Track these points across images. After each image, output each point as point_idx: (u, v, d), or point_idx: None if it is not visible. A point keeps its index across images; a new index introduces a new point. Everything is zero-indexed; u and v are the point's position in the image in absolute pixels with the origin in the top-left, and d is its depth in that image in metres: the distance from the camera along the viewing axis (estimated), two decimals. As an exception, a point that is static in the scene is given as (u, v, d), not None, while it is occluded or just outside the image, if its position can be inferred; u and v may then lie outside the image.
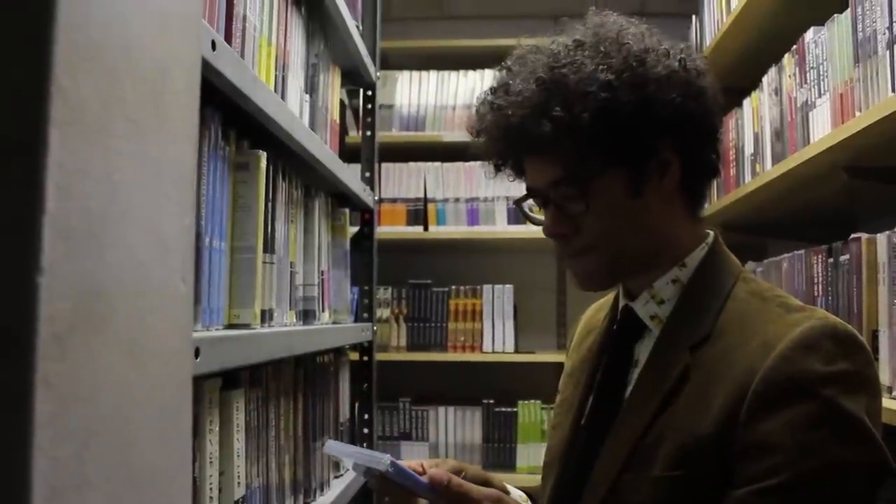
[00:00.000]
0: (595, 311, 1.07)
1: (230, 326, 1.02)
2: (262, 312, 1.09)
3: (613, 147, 0.83)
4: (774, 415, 0.75)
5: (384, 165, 2.68)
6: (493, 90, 0.90)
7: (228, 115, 0.98)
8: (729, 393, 0.78)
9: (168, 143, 0.56)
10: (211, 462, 0.92)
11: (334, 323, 1.61)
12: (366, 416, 1.98)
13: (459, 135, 2.73)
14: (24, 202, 0.41)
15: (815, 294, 1.47)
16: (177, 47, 0.57)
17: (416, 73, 2.83)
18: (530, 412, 2.67)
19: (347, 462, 0.91)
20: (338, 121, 1.69)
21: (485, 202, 2.74)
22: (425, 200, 2.75)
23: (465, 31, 2.85)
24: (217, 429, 0.94)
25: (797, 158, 1.55)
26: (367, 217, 1.99)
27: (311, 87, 1.44)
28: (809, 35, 1.57)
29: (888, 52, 1.20)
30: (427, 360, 2.70)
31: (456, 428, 2.70)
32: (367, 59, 1.89)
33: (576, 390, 0.96)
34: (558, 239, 0.89)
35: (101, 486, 0.46)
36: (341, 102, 1.76)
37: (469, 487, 0.82)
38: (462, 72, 2.81)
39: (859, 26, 1.30)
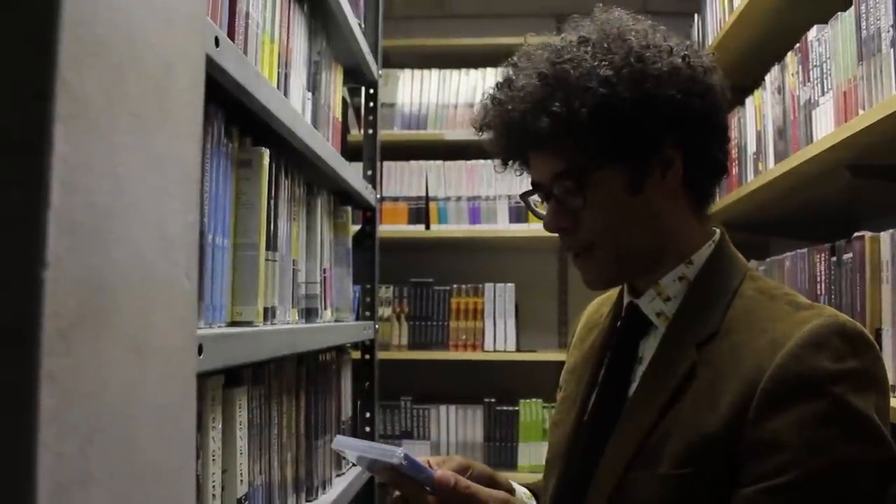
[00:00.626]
0: (597, 306, 1.06)
1: (233, 324, 1.02)
2: (265, 310, 1.09)
3: (612, 142, 0.83)
4: (783, 413, 0.75)
5: (386, 164, 2.68)
6: (498, 86, 0.91)
7: (231, 112, 0.98)
8: (737, 391, 0.78)
9: (172, 139, 0.56)
10: (214, 460, 0.92)
11: (336, 321, 1.61)
12: (367, 415, 1.98)
13: (461, 133, 2.73)
14: (28, 197, 0.41)
15: (818, 293, 1.47)
16: (181, 44, 0.57)
17: (417, 72, 2.82)
18: (532, 411, 2.67)
19: (351, 455, 0.90)
20: (340, 119, 1.69)
21: (486, 201, 2.73)
22: (427, 199, 2.74)
23: (467, 29, 2.85)
24: (220, 426, 0.94)
25: (800, 157, 1.55)
26: (368, 215, 1.99)
27: (313, 85, 1.44)
28: (813, 33, 1.57)
29: (892, 49, 1.20)
30: (428, 359, 2.70)
31: (457, 427, 2.70)
32: (370, 57, 1.89)
33: (578, 387, 0.96)
34: (559, 233, 0.89)
35: (106, 483, 0.46)
36: (343, 100, 1.76)
37: (476, 489, 0.81)
38: (464, 70, 2.81)
39: (863, 24, 1.30)
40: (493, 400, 2.69)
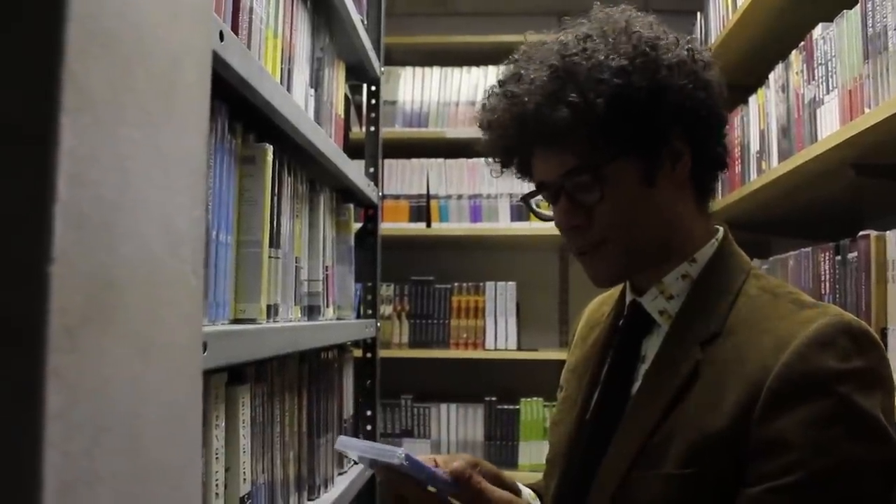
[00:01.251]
0: (598, 305, 1.06)
1: (236, 321, 1.01)
2: (268, 307, 1.08)
3: (628, 134, 0.82)
4: (789, 412, 0.75)
5: (387, 162, 2.67)
6: (503, 82, 0.89)
7: (234, 107, 0.97)
8: (742, 390, 0.77)
9: (179, 133, 0.55)
10: (217, 458, 0.91)
11: (338, 319, 1.60)
12: (368, 413, 1.97)
13: (462, 131, 2.72)
14: (35, 190, 0.40)
15: (823, 291, 1.47)
16: (189, 37, 0.56)
17: (419, 70, 2.82)
18: (533, 410, 2.66)
19: (352, 454, 0.90)
20: (342, 116, 1.68)
21: (488, 199, 2.73)
22: (428, 197, 2.74)
23: (469, 27, 2.84)
24: (223, 424, 0.94)
25: (804, 156, 1.54)
26: (370, 213, 1.98)
27: (316, 82, 1.43)
28: (818, 31, 1.56)
29: (899, 48, 1.19)
30: (429, 357, 2.70)
31: (458, 425, 2.69)
32: (372, 54, 1.88)
33: (579, 386, 0.95)
34: (572, 232, 0.87)
35: (112, 481, 0.45)
36: (345, 97, 1.75)
37: (486, 487, 0.81)
38: (465, 68, 2.80)
39: (869, 22, 1.29)
40: (493, 399, 2.69)
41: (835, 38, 1.47)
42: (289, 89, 1.24)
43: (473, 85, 2.79)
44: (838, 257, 1.40)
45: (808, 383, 0.75)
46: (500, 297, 2.71)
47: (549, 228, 0.94)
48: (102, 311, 0.45)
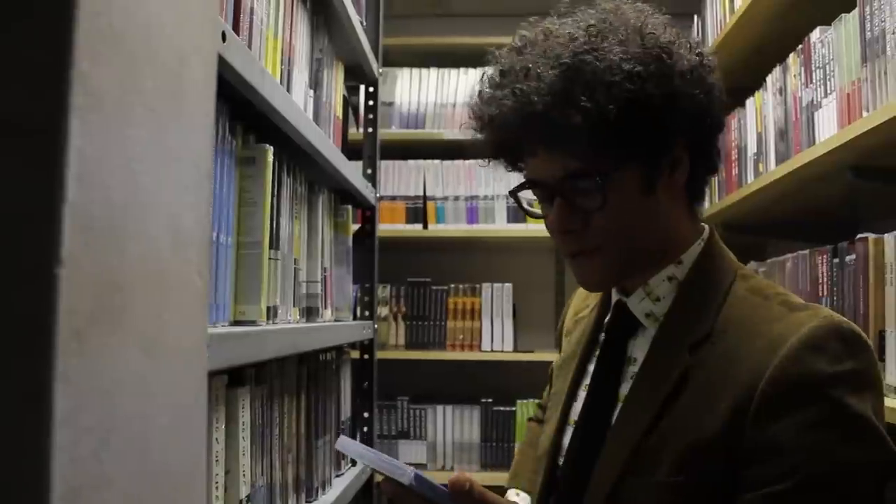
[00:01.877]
0: (583, 297, 1.04)
1: (236, 323, 1.01)
2: (268, 309, 1.08)
3: (636, 141, 0.80)
4: (783, 417, 0.74)
5: (383, 163, 2.66)
6: (506, 72, 0.85)
7: (234, 108, 0.97)
8: (734, 395, 0.77)
9: (185, 133, 0.54)
10: (217, 460, 0.91)
11: (336, 321, 1.59)
12: (365, 415, 1.96)
13: (459, 132, 2.71)
14: (44, 192, 0.40)
15: (820, 294, 1.47)
16: (195, 37, 0.56)
17: (415, 71, 2.81)
18: (529, 411, 2.66)
19: (360, 461, 0.89)
20: (341, 117, 1.68)
21: (484, 200, 2.72)
22: (424, 198, 2.73)
23: (465, 28, 2.84)
24: (223, 427, 0.93)
25: (802, 159, 1.55)
26: (368, 214, 1.97)
27: (315, 83, 1.43)
28: (815, 35, 1.56)
29: (898, 51, 1.20)
30: (425, 359, 2.69)
31: (454, 427, 2.69)
32: (370, 55, 1.88)
33: (564, 385, 0.95)
34: (565, 235, 0.85)
35: (120, 485, 0.45)
36: (344, 98, 1.75)
37: (489, 496, 0.80)
38: (462, 69, 2.80)
39: (867, 26, 1.30)
40: (490, 400, 2.69)
41: (833, 41, 1.47)
42: (289, 90, 1.23)
43: (470, 86, 2.75)
44: (836, 260, 1.40)
45: (801, 387, 0.75)
46: (497, 298, 2.70)
47: (546, 230, 0.90)
48: (109, 313, 0.45)
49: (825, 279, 1.46)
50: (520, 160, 0.89)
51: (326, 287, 1.50)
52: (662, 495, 0.77)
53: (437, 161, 2.75)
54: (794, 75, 1.68)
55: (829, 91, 1.49)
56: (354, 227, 1.82)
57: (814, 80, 1.56)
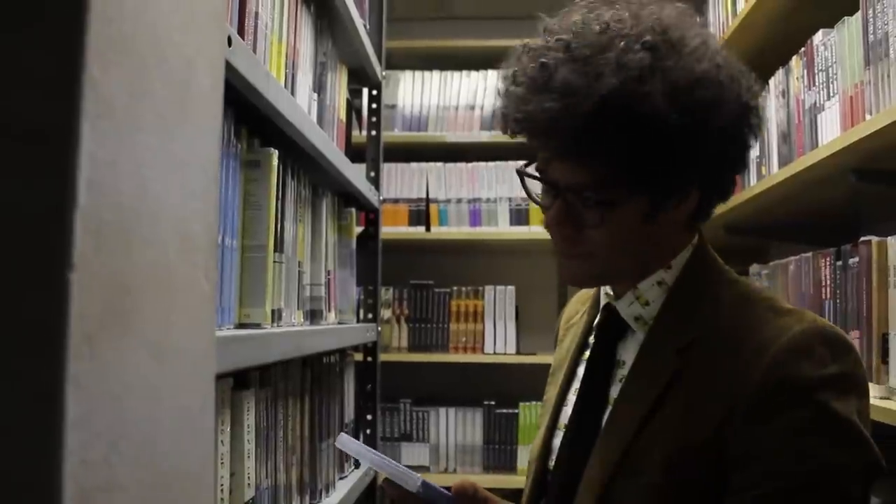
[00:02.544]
0: (574, 304, 1.05)
1: (240, 326, 1.01)
2: (272, 312, 1.08)
3: (657, 176, 0.79)
4: (769, 421, 0.75)
5: (386, 165, 2.66)
6: (545, 66, 0.78)
7: (239, 112, 0.97)
8: (722, 399, 0.77)
9: (194, 138, 0.55)
10: (222, 463, 0.91)
11: (339, 323, 1.60)
12: (369, 417, 1.97)
13: (462, 135, 2.72)
14: (56, 196, 0.40)
15: (823, 297, 1.47)
16: (203, 42, 0.56)
17: (418, 74, 2.82)
18: (531, 414, 2.66)
19: (363, 462, 0.90)
20: (344, 120, 1.68)
21: (487, 203, 2.73)
22: (427, 201, 2.74)
23: (468, 31, 2.84)
24: (228, 429, 0.93)
25: (804, 161, 1.55)
26: (371, 217, 1.98)
27: (319, 86, 1.43)
28: (818, 37, 1.57)
29: (901, 54, 1.20)
30: (428, 361, 2.69)
31: (457, 429, 2.69)
32: (374, 58, 1.88)
33: (555, 390, 0.95)
34: (557, 236, 0.85)
35: (129, 488, 0.45)
36: (347, 101, 1.75)
37: (493, 499, 0.81)
38: (465, 72, 2.81)
39: (870, 28, 1.30)
40: (492, 402, 2.69)
41: (836, 44, 1.47)
42: (293, 94, 1.24)
43: (473, 89, 2.79)
44: (839, 263, 1.40)
45: (786, 392, 0.76)
46: (499, 301, 2.71)
47: (545, 229, 0.89)
48: (119, 318, 0.45)
49: (828, 282, 1.46)
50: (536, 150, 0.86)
51: (330, 290, 1.51)
52: (652, 497, 0.78)
53: (439, 163, 2.75)
54: (797, 78, 1.68)
55: (831, 94, 1.49)
56: (358, 229, 1.83)
57: (816, 83, 1.56)
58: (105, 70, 0.43)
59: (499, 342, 2.69)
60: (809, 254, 1.57)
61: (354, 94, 2.21)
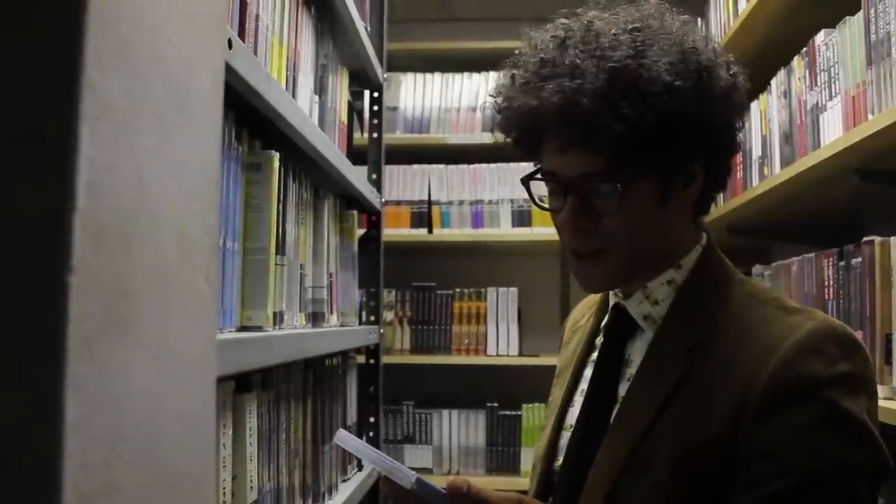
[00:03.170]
0: (580, 308, 1.06)
1: (242, 328, 1.01)
2: (274, 315, 1.08)
3: (661, 152, 0.80)
4: (779, 419, 0.75)
5: (388, 168, 2.66)
6: (545, 62, 0.82)
7: (240, 114, 0.97)
8: (731, 397, 0.78)
9: (193, 141, 0.55)
10: (224, 466, 0.91)
11: (342, 325, 1.60)
12: (371, 420, 1.97)
13: (464, 137, 2.72)
14: (55, 200, 0.40)
15: (827, 297, 1.47)
16: (203, 46, 0.56)
17: (420, 76, 2.82)
18: (534, 415, 2.66)
19: (364, 459, 0.90)
20: (346, 122, 1.68)
21: (489, 205, 2.73)
22: (429, 203, 2.73)
23: (469, 33, 2.84)
24: (230, 432, 0.93)
25: (806, 162, 1.54)
26: (373, 219, 1.98)
27: (320, 88, 1.43)
28: (820, 37, 1.56)
29: (903, 54, 1.20)
30: (431, 363, 2.69)
31: (460, 431, 2.68)
32: (375, 61, 1.88)
33: (561, 391, 0.96)
34: (574, 233, 0.84)
35: (130, 492, 0.45)
36: (349, 103, 1.75)
37: (487, 494, 0.81)
38: (466, 74, 2.81)
39: (872, 28, 1.30)
40: (495, 404, 2.68)
41: (838, 44, 1.47)
42: (294, 96, 1.24)
43: (474, 91, 2.79)
44: (842, 263, 1.40)
45: (796, 389, 0.76)
46: (502, 302, 2.70)
47: (551, 234, 0.91)
48: (118, 321, 0.45)
49: (831, 282, 1.45)
50: (539, 150, 0.87)
51: (332, 292, 1.51)
52: (660, 496, 0.78)
53: (441, 165, 2.75)
54: (799, 78, 1.68)
55: (833, 94, 1.49)
56: (360, 231, 1.82)
57: (818, 83, 1.56)
58: (104, 72, 0.43)
59: (501, 344, 2.69)
60: (812, 254, 1.56)
61: (356, 96, 2.21)
